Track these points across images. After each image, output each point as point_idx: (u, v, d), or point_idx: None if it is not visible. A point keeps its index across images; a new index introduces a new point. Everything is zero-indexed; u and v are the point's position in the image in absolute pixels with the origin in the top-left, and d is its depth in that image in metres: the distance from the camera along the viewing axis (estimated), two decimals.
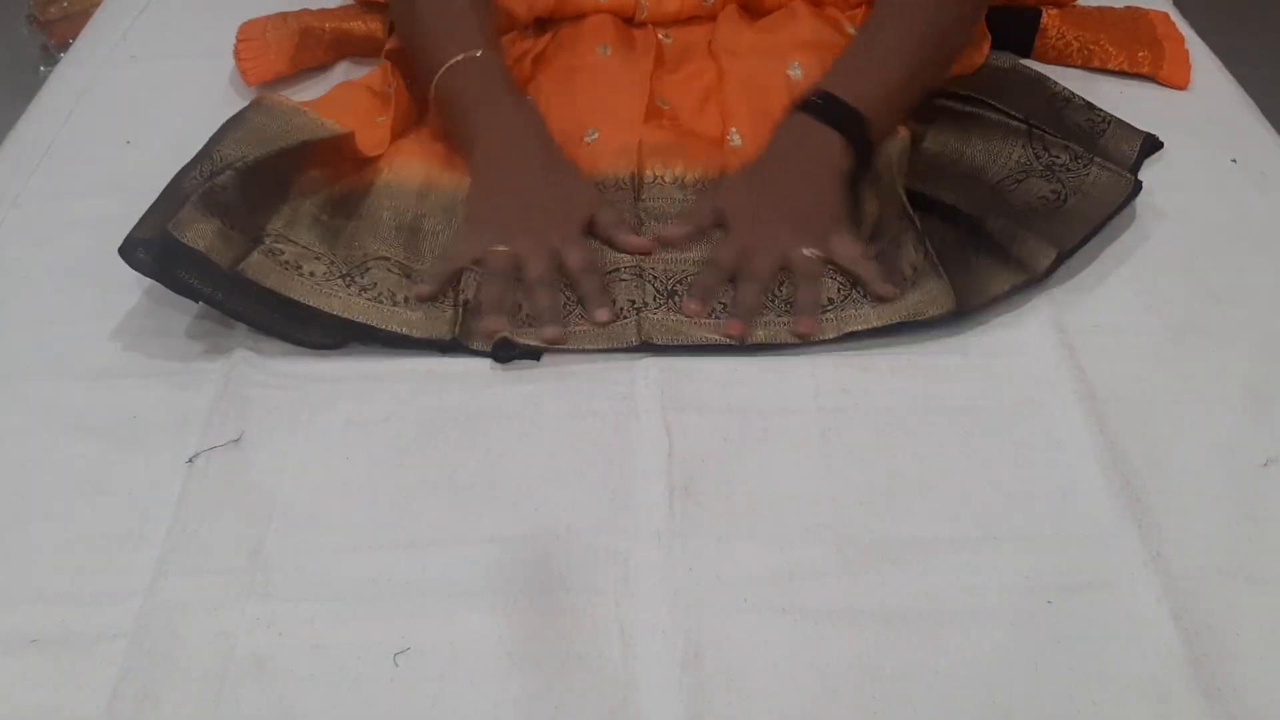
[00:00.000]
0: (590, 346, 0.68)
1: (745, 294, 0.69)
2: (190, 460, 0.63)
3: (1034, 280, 0.70)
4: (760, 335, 0.68)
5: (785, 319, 0.69)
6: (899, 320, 0.68)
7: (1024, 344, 0.68)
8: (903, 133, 0.79)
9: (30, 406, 0.66)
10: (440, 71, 0.78)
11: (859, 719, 0.51)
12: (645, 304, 0.69)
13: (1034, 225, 0.73)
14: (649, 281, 0.71)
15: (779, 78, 0.84)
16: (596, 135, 0.80)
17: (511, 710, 0.52)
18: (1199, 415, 0.65)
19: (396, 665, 0.53)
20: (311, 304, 0.68)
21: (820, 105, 0.75)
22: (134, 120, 0.89)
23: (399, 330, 0.68)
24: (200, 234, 0.66)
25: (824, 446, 0.63)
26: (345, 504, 0.61)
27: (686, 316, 0.69)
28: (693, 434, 0.63)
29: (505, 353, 0.67)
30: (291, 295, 0.67)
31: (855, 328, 0.68)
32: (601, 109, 0.82)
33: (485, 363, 0.68)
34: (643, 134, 0.79)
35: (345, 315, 0.68)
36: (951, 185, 0.77)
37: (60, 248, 0.76)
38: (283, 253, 0.70)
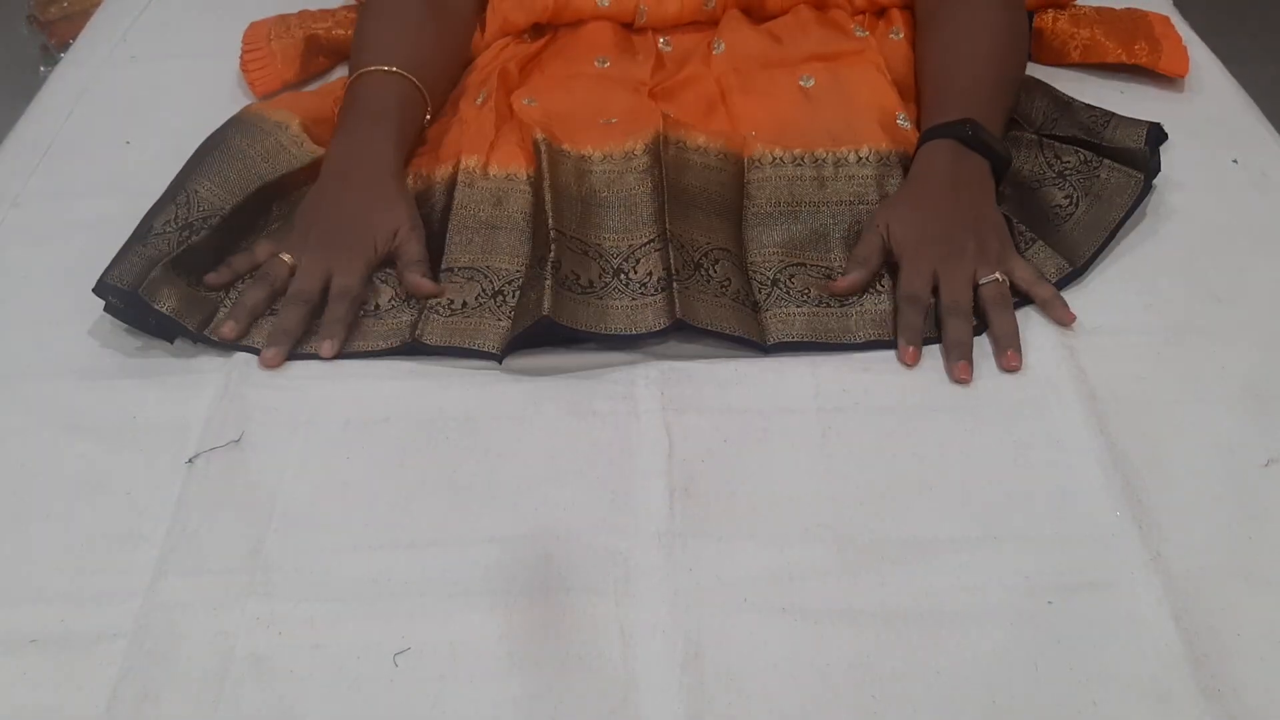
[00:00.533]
0: (621, 330, 0.67)
1: (958, 332, 0.67)
2: (190, 460, 0.63)
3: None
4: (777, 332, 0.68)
5: (804, 310, 0.69)
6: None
7: (1024, 344, 0.68)
8: None
9: (30, 406, 0.66)
10: (352, 76, 0.80)
11: (859, 719, 0.51)
12: (677, 271, 0.68)
13: (1048, 235, 0.74)
14: (676, 250, 0.70)
15: (791, 87, 0.83)
16: (615, 120, 0.80)
17: (511, 710, 0.52)
18: (1199, 415, 0.65)
19: (396, 665, 0.53)
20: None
21: (969, 133, 0.74)
22: (134, 120, 0.89)
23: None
24: (169, 297, 0.68)
25: (824, 446, 0.63)
26: (345, 504, 0.61)
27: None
28: (693, 434, 0.63)
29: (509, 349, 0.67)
30: (254, 345, 0.69)
31: (867, 337, 0.69)
32: (607, 108, 0.82)
33: (485, 363, 0.67)
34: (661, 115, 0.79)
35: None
36: None
37: (60, 248, 0.76)
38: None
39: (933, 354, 0.68)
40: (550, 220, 0.71)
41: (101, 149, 0.86)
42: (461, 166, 0.77)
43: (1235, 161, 0.82)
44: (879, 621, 0.55)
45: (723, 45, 0.87)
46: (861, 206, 0.76)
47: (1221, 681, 0.52)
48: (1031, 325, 0.70)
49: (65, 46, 1.39)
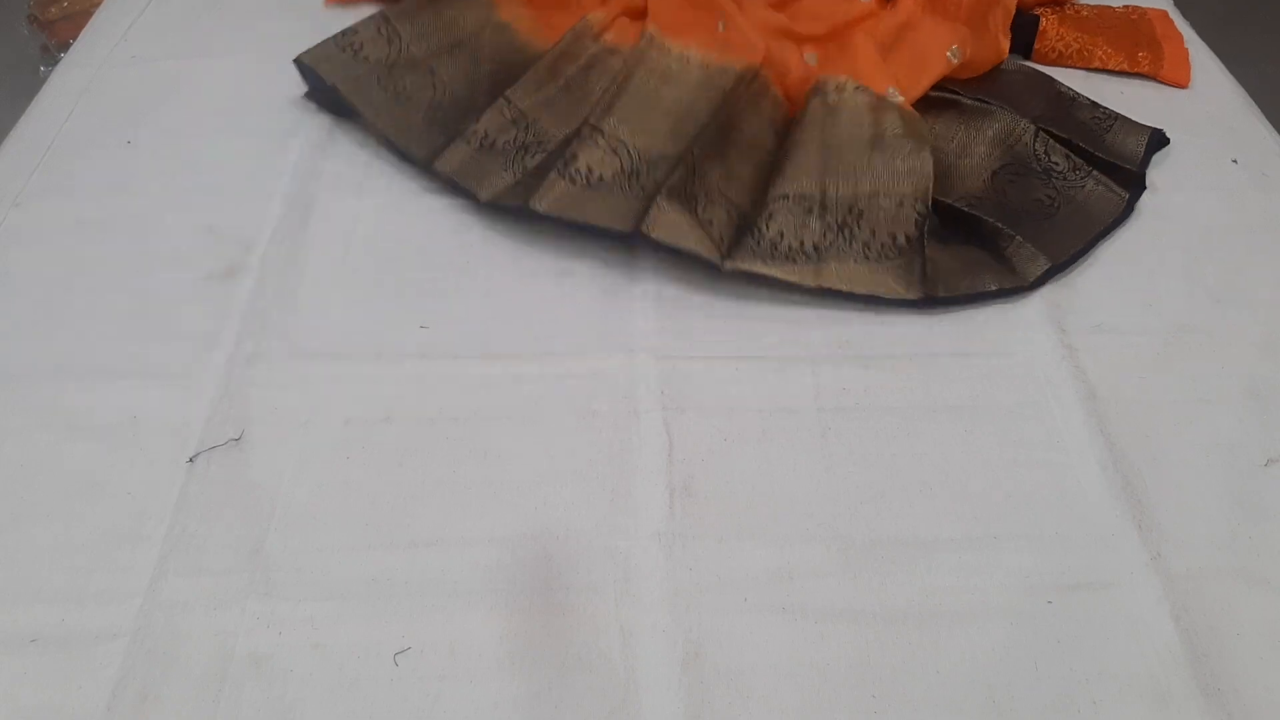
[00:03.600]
0: (592, 222, 0.71)
1: None
2: (190, 460, 0.63)
3: (1021, 288, 0.71)
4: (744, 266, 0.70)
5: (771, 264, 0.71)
6: (867, 292, 0.70)
7: (1024, 344, 0.68)
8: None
9: (30, 407, 0.66)
10: None
11: (859, 718, 0.51)
12: (677, 189, 0.72)
13: (1028, 231, 0.73)
14: (685, 173, 0.73)
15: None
16: (724, 27, 0.85)
17: (511, 710, 0.52)
18: (1199, 415, 0.65)
19: (396, 665, 0.53)
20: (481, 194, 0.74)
21: None
22: (134, 120, 0.89)
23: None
24: (334, 68, 0.78)
25: (824, 446, 0.63)
26: (345, 504, 0.61)
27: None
28: (693, 434, 0.63)
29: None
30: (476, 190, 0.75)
31: (832, 285, 0.70)
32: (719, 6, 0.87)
33: (485, 363, 0.67)
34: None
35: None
36: (959, 178, 0.77)
37: (60, 248, 0.76)
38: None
39: (930, 355, 0.68)
40: (598, 116, 0.77)
41: (102, 149, 0.86)
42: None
43: (1235, 161, 0.82)
44: (879, 621, 0.55)
45: None
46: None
47: (1221, 680, 0.52)
48: (1032, 325, 0.70)
49: (65, 46, 1.39)
